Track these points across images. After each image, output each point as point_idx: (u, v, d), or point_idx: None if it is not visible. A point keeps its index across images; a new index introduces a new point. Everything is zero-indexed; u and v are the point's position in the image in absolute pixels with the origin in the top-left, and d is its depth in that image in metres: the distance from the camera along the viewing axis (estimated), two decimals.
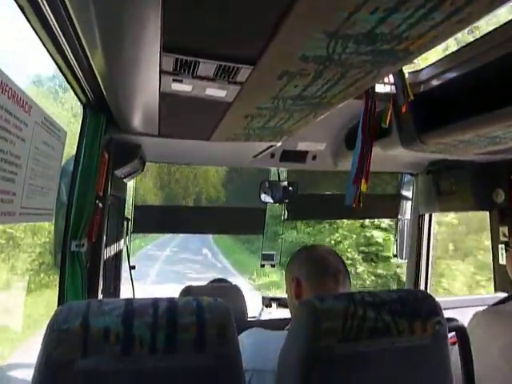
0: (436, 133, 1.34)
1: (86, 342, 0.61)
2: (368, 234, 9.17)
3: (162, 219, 2.32)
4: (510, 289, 1.37)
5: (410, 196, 2.33)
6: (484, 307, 1.29)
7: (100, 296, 1.46)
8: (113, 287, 1.96)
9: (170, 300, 0.68)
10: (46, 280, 7.88)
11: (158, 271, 11.12)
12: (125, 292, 2.08)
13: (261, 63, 0.78)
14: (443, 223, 7.04)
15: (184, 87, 0.95)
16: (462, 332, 0.94)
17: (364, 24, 0.62)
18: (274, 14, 0.60)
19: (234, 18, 0.64)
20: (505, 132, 1.18)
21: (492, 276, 2.09)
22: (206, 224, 2.40)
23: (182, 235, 19.48)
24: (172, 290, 2.16)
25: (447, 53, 1.28)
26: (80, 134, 1.30)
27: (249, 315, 1.92)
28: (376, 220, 8.25)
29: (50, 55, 0.95)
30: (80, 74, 1.05)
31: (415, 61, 1.31)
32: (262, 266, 2.54)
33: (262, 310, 2.25)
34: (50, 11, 0.76)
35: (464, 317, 1.10)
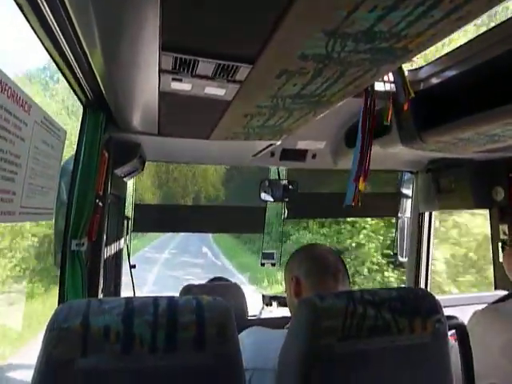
0: (436, 131, 1.34)
1: (86, 341, 0.61)
2: None
3: (161, 218, 2.32)
4: (509, 287, 1.37)
5: (410, 194, 2.33)
6: (484, 305, 1.29)
7: (100, 295, 1.46)
8: (113, 286, 1.96)
9: (170, 299, 0.68)
10: (30, 288, 7.16)
11: (156, 276, 10.27)
12: (125, 291, 2.08)
13: (260, 62, 0.78)
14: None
15: (183, 86, 0.95)
16: (462, 330, 0.94)
17: (363, 22, 0.62)
18: (273, 12, 0.60)
19: (232, 16, 0.64)
20: (504, 130, 1.18)
21: (492, 274, 2.10)
22: (206, 223, 2.40)
23: (181, 236, 18.79)
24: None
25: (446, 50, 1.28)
26: (80, 132, 1.30)
27: (249, 314, 1.92)
28: None
29: (49, 54, 0.95)
30: (79, 73, 1.05)
31: (414, 59, 1.31)
32: (262, 264, 2.54)
33: (263, 308, 2.25)
34: (49, 10, 0.76)
35: (464, 315, 1.10)
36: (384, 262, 8.07)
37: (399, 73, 1.22)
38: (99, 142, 1.28)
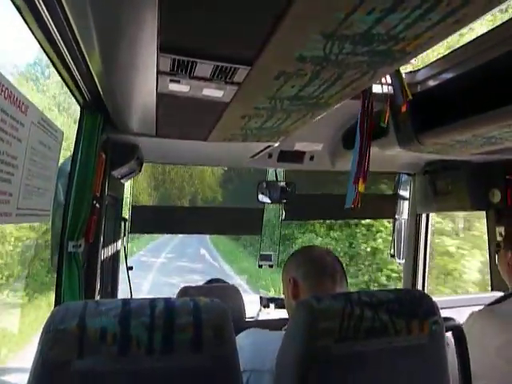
0: (433, 133, 1.34)
1: (82, 343, 0.60)
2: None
3: (159, 219, 2.31)
4: (506, 288, 1.38)
5: (407, 196, 2.34)
6: (480, 307, 1.30)
7: (97, 297, 1.46)
8: (110, 288, 1.95)
9: (167, 300, 0.68)
10: (11, 299, 6.31)
11: (151, 284, 9.40)
12: (122, 292, 2.08)
13: (258, 64, 0.78)
14: None
15: (181, 88, 0.95)
16: (458, 331, 0.95)
17: (361, 24, 0.62)
18: (271, 14, 0.61)
19: (230, 18, 0.64)
20: (501, 132, 1.18)
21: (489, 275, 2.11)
22: (203, 224, 2.39)
23: (177, 238, 18.26)
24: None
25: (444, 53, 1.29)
26: (77, 134, 1.29)
27: (247, 316, 1.92)
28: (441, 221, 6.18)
29: (47, 55, 0.95)
30: (77, 74, 1.05)
31: (412, 61, 1.31)
32: (260, 266, 2.54)
33: (260, 310, 2.25)
34: (46, 11, 0.76)
35: (461, 316, 1.10)
36: None
37: (397, 75, 1.22)
38: (97, 143, 1.27)
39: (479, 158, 1.74)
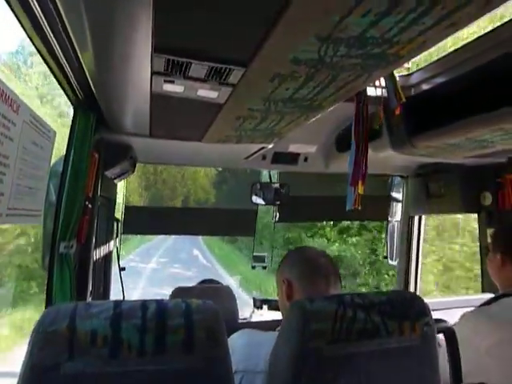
0: (426, 136, 1.35)
1: (72, 345, 0.60)
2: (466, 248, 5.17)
3: (152, 220, 2.30)
4: (496, 290, 1.39)
5: (400, 198, 2.35)
6: (471, 308, 1.31)
7: (89, 298, 1.45)
8: (102, 289, 1.93)
9: (159, 302, 0.68)
10: None
11: (140, 295, 8.23)
12: (115, 294, 2.06)
13: (253, 65, 0.78)
14: None
15: (175, 88, 0.94)
16: (450, 333, 0.95)
17: (355, 27, 0.62)
18: (266, 16, 0.61)
19: (226, 19, 0.64)
20: (492, 136, 1.20)
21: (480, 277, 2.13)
22: (196, 225, 2.38)
23: (170, 241, 17.68)
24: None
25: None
26: (70, 133, 1.28)
27: (240, 317, 1.91)
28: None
29: (40, 53, 0.94)
30: (70, 73, 1.04)
31: (406, 64, 1.32)
32: (253, 267, 2.54)
33: (253, 311, 2.25)
34: (39, 9, 0.76)
35: (452, 318, 1.11)
36: (445, 279, 5.85)
37: (391, 78, 1.23)
38: (89, 143, 1.26)
39: (471, 161, 1.75)
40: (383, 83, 1.33)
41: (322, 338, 0.73)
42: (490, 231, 1.99)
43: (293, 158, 1.92)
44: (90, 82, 1.01)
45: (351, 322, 0.75)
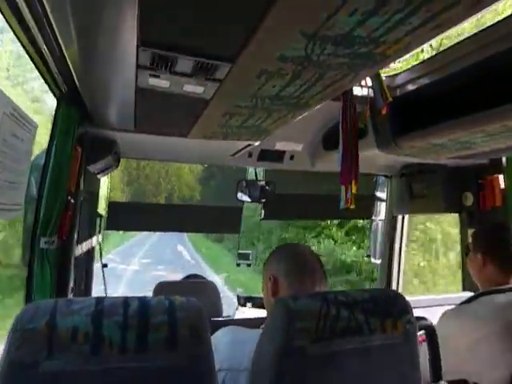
0: (410, 136, 1.37)
1: (52, 343, 0.59)
2: None
3: (136, 216, 2.27)
4: (476, 288, 1.42)
5: (384, 197, 2.38)
6: (452, 306, 1.34)
7: (70, 295, 1.42)
8: (84, 286, 1.91)
9: (142, 299, 0.67)
10: None
11: None
12: (97, 291, 2.03)
13: (239, 61, 0.77)
14: None
15: (161, 83, 0.93)
16: (430, 330, 0.97)
17: (342, 26, 0.62)
18: (254, 12, 0.60)
19: (213, 14, 0.64)
20: (474, 137, 1.22)
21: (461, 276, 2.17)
22: (181, 222, 2.37)
23: (153, 239, 17.09)
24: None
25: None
26: (52, 126, 1.26)
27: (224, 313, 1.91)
28: None
29: (22, 44, 0.92)
30: (53, 65, 1.02)
31: (392, 65, 1.34)
32: (238, 265, 2.54)
33: (237, 308, 2.25)
34: None
35: (433, 316, 1.13)
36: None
37: (377, 78, 1.24)
38: (72, 137, 1.24)
39: (454, 162, 1.78)
40: (369, 83, 1.34)
41: (306, 336, 0.74)
42: (470, 231, 2.04)
43: (279, 155, 1.92)
44: (74, 74, 0.99)
45: (335, 320, 0.76)
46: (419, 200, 2.07)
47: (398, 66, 1.43)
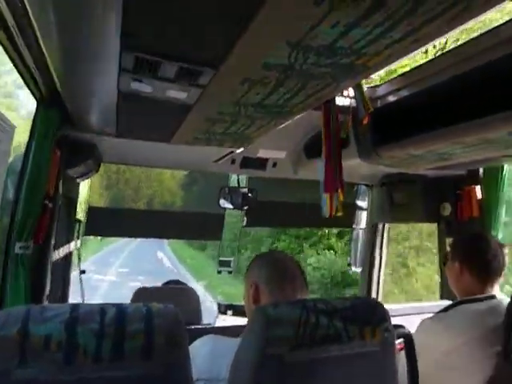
0: (390, 147, 1.39)
1: (24, 350, 0.57)
2: None
3: (116, 222, 2.23)
4: (454, 297, 1.45)
5: (365, 206, 2.41)
6: (430, 315, 1.36)
7: (45, 302, 1.38)
8: (60, 293, 1.86)
9: (119, 306, 0.66)
10: None
11: None
12: (74, 299, 1.98)
13: (223, 67, 0.78)
14: None
15: (144, 87, 0.92)
16: (408, 339, 0.98)
17: (325, 36, 0.63)
18: (238, 19, 0.61)
19: (197, 19, 0.64)
20: (452, 148, 1.25)
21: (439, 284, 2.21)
22: (162, 228, 2.33)
23: (132, 245, 16.72)
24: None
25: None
26: (31, 129, 1.23)
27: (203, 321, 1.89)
28: None
29: (1, 44, 0.90)
30: (33, 66, 1.00)
31: (373, 76, 1.36)
32: (219, 272, 2.52)
33: (217, 316, 2.22)
34: None
35: (411, 324, 1.15)
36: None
37: (358, 89, 1.26)
38: (51, 140, 1.22)
39: (433, 172, 1.82)
40: (352, 93, 1.36)
41: (285, 344, 0.73)
42: (448, 241, 2.08)
43: (262, 163, 1.93)
44: (55, 76, 0.97)
45: (314, 328, 0.76)
46: (399, 209, 2.10)
47: (380, 78, 1.46)
